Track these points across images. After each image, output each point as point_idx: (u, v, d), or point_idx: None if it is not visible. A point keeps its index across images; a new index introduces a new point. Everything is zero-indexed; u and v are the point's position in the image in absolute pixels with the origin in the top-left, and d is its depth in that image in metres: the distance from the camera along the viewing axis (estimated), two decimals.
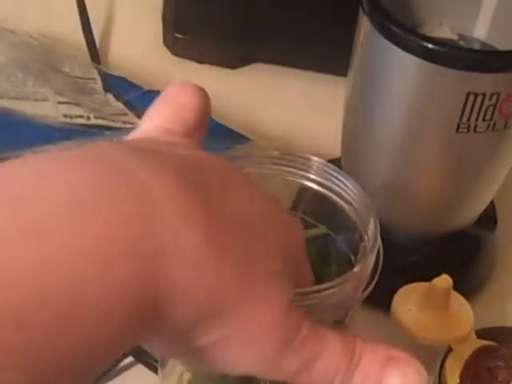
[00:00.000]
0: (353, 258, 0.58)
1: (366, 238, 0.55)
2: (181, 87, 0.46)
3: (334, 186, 0.57)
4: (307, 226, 0.63)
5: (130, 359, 0.68)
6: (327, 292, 0.50)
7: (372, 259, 0.53)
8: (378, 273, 0.54)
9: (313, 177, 0.58)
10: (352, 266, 0.57)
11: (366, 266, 0.52)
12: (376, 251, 0.53)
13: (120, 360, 0.67)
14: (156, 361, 0.66)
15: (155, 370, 0.66)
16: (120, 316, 0.33)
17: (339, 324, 0.55)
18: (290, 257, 0.44)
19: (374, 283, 0.54)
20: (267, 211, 0.43)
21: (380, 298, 0.67)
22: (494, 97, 0.63)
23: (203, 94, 0.46)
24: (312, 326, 0.42)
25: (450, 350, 0.66)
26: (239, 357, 0.40)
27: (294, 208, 0.65)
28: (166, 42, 1.01)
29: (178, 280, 0.35)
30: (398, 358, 0.43)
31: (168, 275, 0.35)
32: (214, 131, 0.56)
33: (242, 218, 0.40)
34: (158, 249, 0.34)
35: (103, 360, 0.34)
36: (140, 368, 0.68)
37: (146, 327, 0.35)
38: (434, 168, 0.71)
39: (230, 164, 0.43)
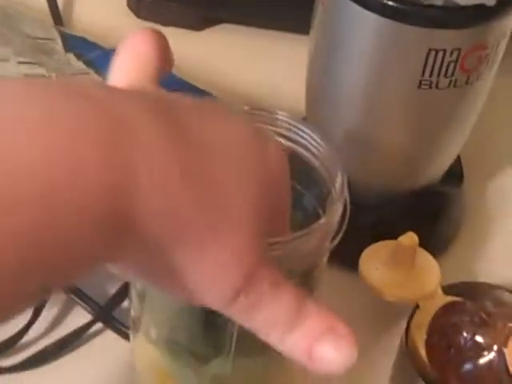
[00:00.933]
0: (322, 213, 0.58)
1: (333, 191, 0.55)
2: (139, 36, 0.46)
3: (301, 140, 0.57)
4: None
5: (98, 325, 0.68)
6: (294, 242, 0.50)
7: (338, 210, 0.53)
8: (345, 224, 0.54)
9: (279, 131, 0.57)
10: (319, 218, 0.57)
11: (332, 216, 0.52)
12: (343, 203, 0.53)
13: (89, 326, 0.68)
14: (126, 327, 0.66)
15: (125, 337, 0.66)
16: (91, 221, 0.34)
17: (308, 278, 0.55)
18: (269, 191, 0.43)
19: (341, 234, 0.54)
20: (245, 143, 0.43)
21: (347, 257, 0.68)
22: (455, 53, 0.63)
23: (161, 38, 0.47)
24: (273, 272, 0.42)
25: (417, 307, 0.66)
26: (207, 283, 0.40)
27: None
28: (129, 5, 1.00)
29: (146, 195, 0.36)
30: (339, 330, 0.43)
31: (136, 190, 0.35)
32: (179, 88, 0.56)
33: (217, 146, 0.40)
34: (129, 163, 0.35)
35: (78, 264, 0.35)
36: (109, 334, 0.68)
37: (117, 239, 0.36)
38: (398, 124, 0.71)
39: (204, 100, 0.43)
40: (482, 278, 0.76)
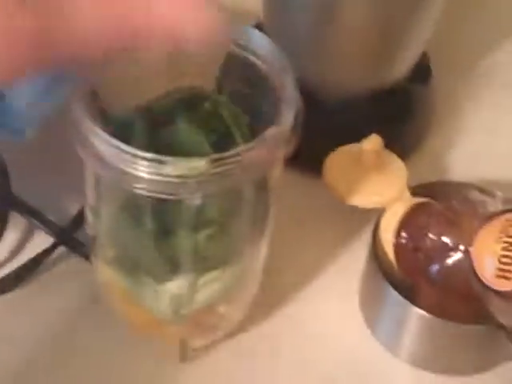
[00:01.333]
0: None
1: (283, 97, 0.53)
2: None
3: (250, 45, 0.54)
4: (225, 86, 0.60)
5: (62, 249, 0.67)
6: (243, 155, 0.48)
7: (289, 118, 0.51)
8: (299, 132, 0.52)
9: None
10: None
11: (283, 125, 0.50)
12: (294, 109, 0.51)
13: (51, 250, 0.66)
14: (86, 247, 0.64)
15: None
16: None
17: (262, 189, 0.54)
18: None
19: (294, 142, 0.52)
20: None
21: (312, 162, 0.66)
22: None
23: None
24: None
25: (384, 210, 0.65)
26: None
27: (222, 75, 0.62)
28: None
29: None
30: None
31: None
32: None
33: None
34: None
35: None
36: (73, 257, 0.67)
37: None
38: (358, 18, 0.68)
39: None
40: (453, 176, 0.75)
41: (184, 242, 0.52)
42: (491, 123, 0.79)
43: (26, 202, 0.68)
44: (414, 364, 0.64)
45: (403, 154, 0.70)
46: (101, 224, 0.55)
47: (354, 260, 0.68)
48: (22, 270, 0.65)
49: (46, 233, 0.67)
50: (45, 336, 0.63)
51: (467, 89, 0.81)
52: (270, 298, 0.65)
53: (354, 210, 0.65)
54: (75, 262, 0.66)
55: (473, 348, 0.62)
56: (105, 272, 0.58)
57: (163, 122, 0.54)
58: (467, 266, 0.58)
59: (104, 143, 0.48)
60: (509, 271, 0.55)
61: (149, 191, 0.48)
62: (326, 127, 0.71)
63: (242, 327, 0.63)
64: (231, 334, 0.63)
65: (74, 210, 0.68)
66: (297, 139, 0.51)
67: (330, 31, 0.69)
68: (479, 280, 0.57)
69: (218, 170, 0.47)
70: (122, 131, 0.53)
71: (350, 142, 0.67)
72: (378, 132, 0.66)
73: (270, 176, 0.53)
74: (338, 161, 0.67)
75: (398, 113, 0.74)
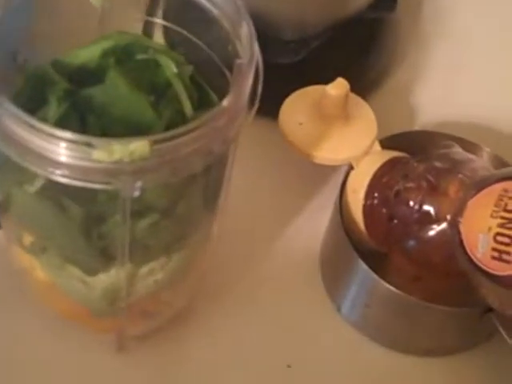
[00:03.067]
0: (227, 72, 0.46)
1: (239, 50, 0.43)
2: None
3: None
4: (171, 34, 0.50)
5: None
6: (189, 136, 0.38)
7: (248, 84, 0.41)
8: (258, 100, 0.42)
9: None
10: (227, 82, 0.45)
11: (239, 95, 0.40)
12: (252, 70, 0.41)
13: None
14: None
15: None
16: None
17: (216, 165, 0.44)
18: None
19: (253, 111, 0.42)
20: None
21: (266, 108, 0.55)
22: None
23: None
24: None
25: (351, 167, 0.56)
26: None
27: (150, 13, 0.51)
28: None
29: None
30: None
31: None
32: None
33: None
34: None
35: None
36: None
37: None
38: None
39: None
40: (423, 119, 0.65)
41: (118, 230, 0.42)
42: (456, 55, 0.71)
43: None
44: (384, 345, 0.56)
45: (366, 90, 0.62)
46: (13, 207, 0.44)
47: (314, 223, 0.59)
48: None
49: None
50: None
51: (433, 15, 0.71)
52: (218, 274, 0.55)
53: (316, 166, 0.55)
54: None
55: (451, 331, 0.55)
56: (21, 258, 0.47)
57: (88, 78, 0.43)
58: (452, 240, 0.50)
59: (11, 117, 0.37)
60: (506, 252, 0.46)
61: (72, 179, 0.38)
62: (281, 66, 0.60)
63: (186, 311, 0.54)
64: (174, 320, 0.53)
65: None
66: (255, 108, 0.41)
67: None
68: (469, 259, 0.49)
69: (163, 154, 0.37)
70: (36, 94, 0.42)
71: (309, 83, 0.57)
72: (339, 68, 0.57)
73: (226, 151, 0.43)
74: (295, 108, 0.57)
75: (361, 45, 0.65)
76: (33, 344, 0.53)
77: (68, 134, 0.36)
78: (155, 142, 0.37)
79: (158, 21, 0.49)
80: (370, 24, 0.64)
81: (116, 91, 0.42)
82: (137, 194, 0.38)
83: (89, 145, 0.36)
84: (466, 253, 0.49)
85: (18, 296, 0.53)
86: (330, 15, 0.62)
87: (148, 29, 0.51)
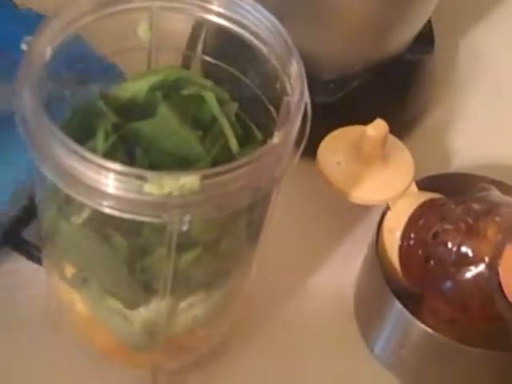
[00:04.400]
0: (273, 110, 0.46)
1: (288, 88, 0.43)
2: None
3: (245, 21, 0.44)
4: (210, 69, 0.50)
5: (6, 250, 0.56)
6: (238, 172, 0.38)
7: (297, 122, 0.41)
8: (305, 140, 0.42)
9: (217, 9, 0.45)
10: (273, 120, 0.45)
11: (288, 134, 0.40)
12: (302, 109, 0.41)
13: None
14: (39, 250, 0.54)
15: (38, 261, 0.54)
16: None
17: (261, 201, 0.44)
18: None
19: (300, 151, 0.42)
20: None
21: (305, 147, 0.56)
22: None
23: None
24: None
25: (387, 207, 0.56)
26: None
27: (191, 48, 0.52)
28: None
29: None
30: None
31: None
32: None
33: None
34: None
35: None
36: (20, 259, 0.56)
37: None
38: None
39: None
40: (459, 161, 0.65)
41: (162, 263, 0.42)
42: (493, 97, 0.71)
43: None
44: None
45: (403, 131, 0.63)
46: (57, 237, 0.45)
47: (349, 262, 0.59)
48: None
49: None
50: None
51: (471, 57, 0.71)
52: (254, 308, 0.55)
53: (353, 205, 0.55)
54: (23, 265, 0.55)
55: (487, 375, 0.54)
56: (61, 290, 0.48)
57: (135, 112, 0.44)
58: (490, 283, 0.50)
59: (62, 147, 0.37)
60: None
61: (121, 211, 0.38)
62: (320, 105, 0.60)
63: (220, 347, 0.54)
64: (207, 355, 0.53)
65: (18, 204, 0.56)
66: (302, 147, 0.41)
67: None
68: (508, 302, 0.48)
69: (212, 189, 0.37)
70: (83, 126, 0.43)
71: (346, 123, 0.57)
72: (377, 108, 0.58)
73: (269, 199, 0.43)
74: (334, 147, 0.57)
75: (399, 86, 0.65)
76: (69, 379, 0.53)
77: (119, 166, 0.36)
78: (205, 177, 0.37)
79: (203, 56, 0.50)
80: (408, 65, 0.64)
81: (166, 125, 0.42)
82: (185, 228, 0.38)
83: (140, 177, 0.36)
84: (504, 296, 0.49)
85: (55, 332, 0.53)
86: (370, 56, 0.62)
87: (188, 64, 0.52)
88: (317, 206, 0.61)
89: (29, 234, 0.56)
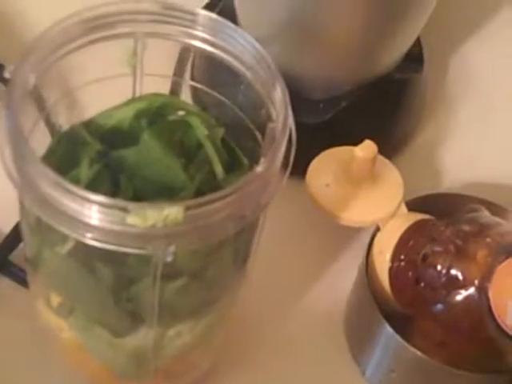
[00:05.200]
0: (259, 136, 0.46)
1: (273, 113, 0.43)
2: None
3: (229, 46, 0.44)
4: (197, 94, 0.50)
5: None
6: (222, 202, 0.37)
7: (282, 149, 0.41)
8: (290, 167, 0.42)
9: (202, 35, 0.44)
10: (259, 145, 0.45)
11: (273, 161, 0.40)
12: (286, 136, 0.41)
13: None
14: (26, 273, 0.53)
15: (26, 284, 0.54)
16: None
17: (247, 229, 0.43)
18: None
19: (285, 179, 0.42)
20: None
21: (293, 168, 0.55)
22: None
23: None
24: None
25: (377, 229, 0.56)
26: None
27: (178, 74, 0.51)
28: None
29: None
30: None
31: None
32: None
33: None
34: None
35: None
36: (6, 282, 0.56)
37: None
38: (350, 1, 0.57)
39: None
40: (449, 180, 0.65)
41: (147, 293, 0.42)
42: (484, 115, 0.70)
43: None
44: None
45: (393, 151, 0.63)
46: (43, 267, 0.44)
47: (339, 283, 0.58)
48: None
49: None
50: None
51: (461, 75, 0.71)
52: (245, 332, 0.55)
53: (342, 227, 0.55)
54: (10, 289, 0.55)
55: None
56: (48, 316, 0.47)
57: (120, 139, 0.43)
58: (480, 306, 0.49)
59: (44, 179, 0.37)
60: None
61: (104, 243, 0.37)
62: (308, 126, 0.60)
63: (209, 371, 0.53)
64: (196, 381, 0.53)
65: (6, 227, 0.56)
66: (287, 174, 0.41)
67: (315, 14, 0.58)
68: (497, 325, 0.48)
69: (196, 219, 0.37)
70: (67, 155, 0.42)
71: (338, 143, 0.57)
72: (367, 127, 0.59)
73: (256, 225, 0.43)
74: (322, 169, 0.57)
75: (388, 105, 0.65)
76: None
77: (102, 198, 0.36)
78: (188, 208, 0.37)
79: (190, 82, 0.50)
80: (397, 84, 0.64)
81: (149, 154, 0.42)
82: (169, 258, 0.38)
83: (123, 209, 0.36)
84: (494, 319, 0.48)
85: (42, 356, 0.53)
86: (359, 76, 0.62)
87: (175, 89, 0.52)
88: (306, 228, 0.61)
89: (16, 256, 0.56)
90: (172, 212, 0.36)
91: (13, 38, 0.68)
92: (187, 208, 0.36)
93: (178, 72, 0.51)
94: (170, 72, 0.52)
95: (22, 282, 0.54)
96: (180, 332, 0.45)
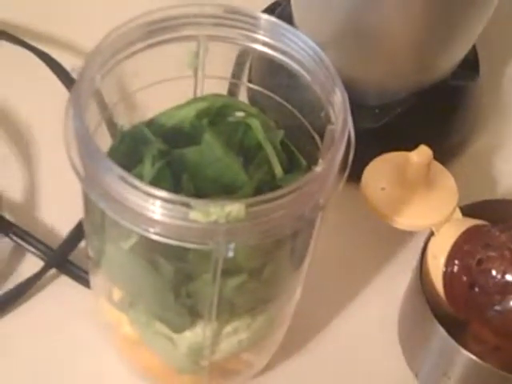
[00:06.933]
0: (317, 138, 0.46)
1: (332, 116, 0.44)
2: None
3: (290, 50, 0.45)
4: (256, 97, 0.51)
5: (53, 271, 0.57)
6: (282, 200, 0.38)
7: (340, 150, 0.41)
8: (349, 168, 0.42)
9: (263, 38, 0.45)
10: (317, 148, 0.46)
11: (332, 161, 0.41)
12: (345, 138, 0.42)
13: (41, 274, 0.56)
14: (85, 272, 0.55)
15: (85, 283, 0.55)
16: None
17: (305, 228, 0.44)
18: None
19: (343, 181, 0.42)
20: None
21: (349, 172, 0.56)
22: None
23: None
24: None
25: (431, 233, 0.56)
26: None
27: (236, 76, 0.52)
28: None
29: None
30: None
31: None
32: None
33: None
34: None
35: None
36: (66, 281, 0.57)
37: None
38: (404, 8, 0.58)
39: None
40: (504, 187, 0.65)
41: (207, 289, 0.43)
42: None
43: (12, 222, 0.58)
44: None
45: (447, 157, 0.63)
46: (105, 262, 0.46)
47: (392, 287, 0.59)
48: (10, 295, 0.55)
49: (35, 255, 0.57)
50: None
51: None
52: (299, 334, 0.55)
53: (397, 231, 0.55)
54: (70, 288, 0.56)
55: None
56: (108, 311, 0.48)
57: (181, 138, 0.44)
58: None
59: (110, 174, 0.38)
60: None
61: (167, 238, 0.38)
62: (364, 131, 0.60)
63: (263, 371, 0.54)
64: (251, 380, 0.53)
65: (65, 228, 0.58)
66: (346, 175, 0.42)
67: (371, 21, 0.58)
68: None
69: (257, 217, 0.37)
70: (130, 153, 0.43)
71: (390, 149, 0.57)
72: (421, 134, 0.57)
73: (314, 224, 0.44)
74: (378, 173, 0.57)
75: (443, 112, 0.65)
76: None
77: (165, 193, 0.37)
78: (250, 205, 0.37)
79: (248, 84, 0.50)
80: (452, 91, 0.64)
81: (211, 153, 0.43)
82: (230, 254, 0.38)
83: (186, 205, 0.37)
84: None
85: (100, 350, 0.54)
86: (414, 82, 0.62)
87: (233, 91, 0.53)
88: (360, 232, 0.61)
89: (76, 256, 0.57)
90: (234, 209, 0.37)
91: (76, 42, 0.69)
92: (249, 205, 0.37)
93: (237, 74, 0.52)
94: (228, 74, 0.52)
95: (82, 280, 0.56)
96: (237, 328, 0.46)
